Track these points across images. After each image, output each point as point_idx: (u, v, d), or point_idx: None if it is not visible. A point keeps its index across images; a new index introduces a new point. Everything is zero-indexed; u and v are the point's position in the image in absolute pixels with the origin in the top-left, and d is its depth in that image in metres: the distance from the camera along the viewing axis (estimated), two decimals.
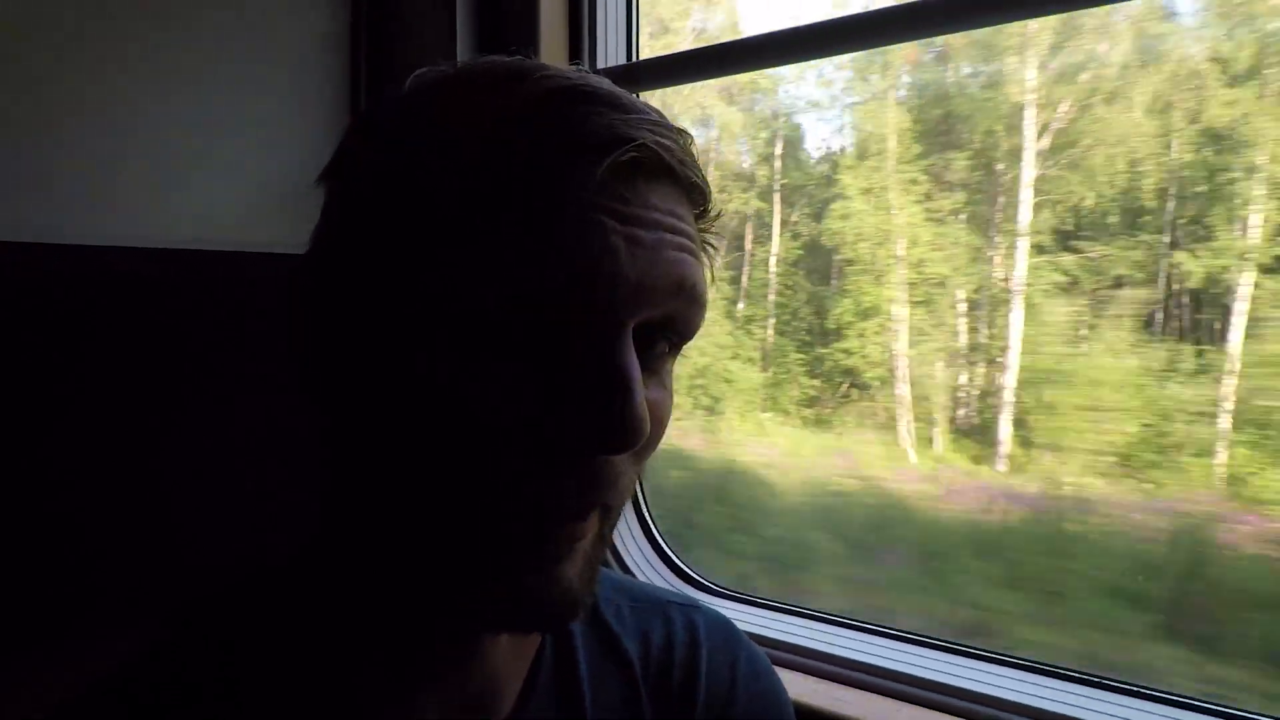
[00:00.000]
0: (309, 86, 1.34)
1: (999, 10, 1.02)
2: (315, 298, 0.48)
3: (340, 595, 0.52)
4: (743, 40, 1.22)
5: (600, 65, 1.39)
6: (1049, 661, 1.06)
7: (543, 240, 0.40)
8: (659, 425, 0.47)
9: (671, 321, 0.46)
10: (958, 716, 1.02)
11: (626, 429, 0.41)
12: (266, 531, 1.02)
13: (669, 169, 0.44)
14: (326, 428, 0.50)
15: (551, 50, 1.35)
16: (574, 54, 1.39)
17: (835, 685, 1.10)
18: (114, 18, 1.13)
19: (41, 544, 1.01)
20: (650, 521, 1.40)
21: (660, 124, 0.45)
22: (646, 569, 1.38)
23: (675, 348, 0.49)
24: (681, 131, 0.46)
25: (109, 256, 1.07)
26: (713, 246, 0.50)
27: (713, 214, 0.49)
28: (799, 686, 1.09)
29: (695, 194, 0.47)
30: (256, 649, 0.51)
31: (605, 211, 0.41)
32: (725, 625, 0.69)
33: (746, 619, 1.24)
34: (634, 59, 1.41)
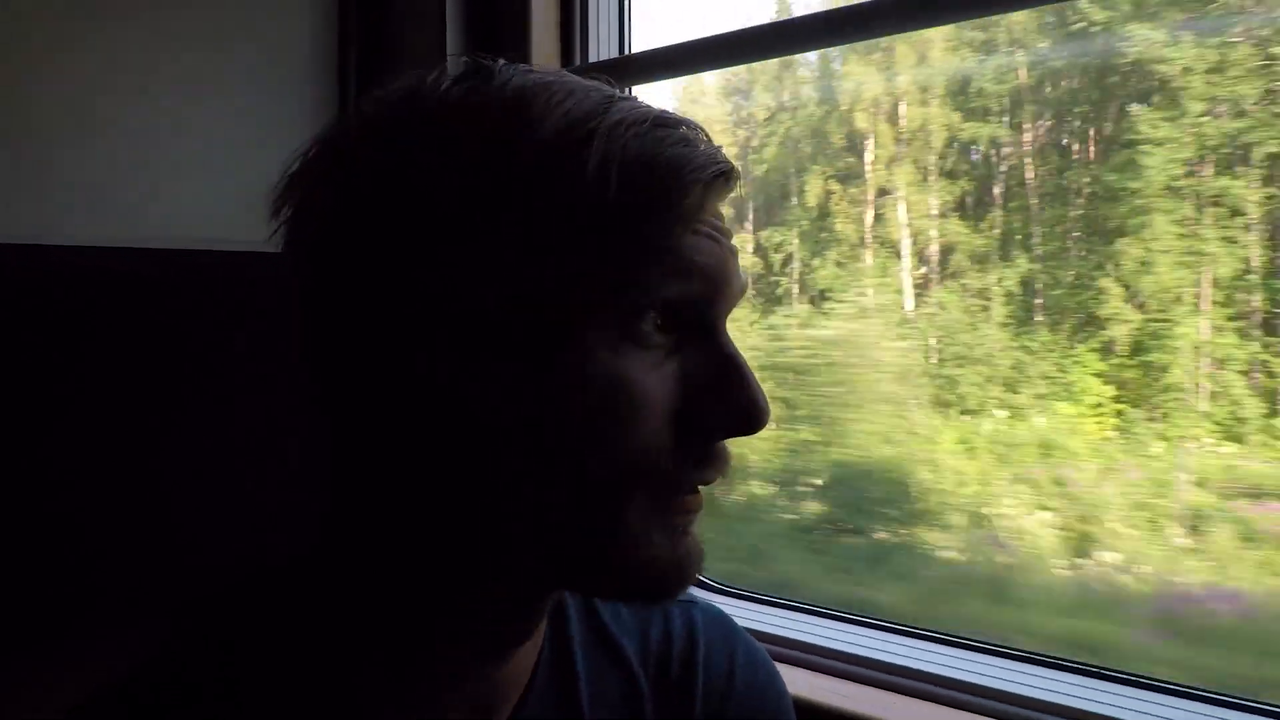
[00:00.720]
0: (301, 84, 1.34)
1: (987, 3, 1.03)
2: (318, 297, 0.48)
3: (344, 596, 0.52)
4: (735, 32, 1.21)
5: (593, 58, 1.39)
6: (1045, 653, 1.06)
7: (666, 255, 0.45)
8: None
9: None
10: (956, 709, 1.02)
11: (764, 411, 0.48)
12: (266, 531, 1.02)
13: (731, 186, 0.50)
14: (330, 428, 0.50)
15: (543, 43, 1.35)
16: (566, 46, 1.38)
17: (834, 679, 1.11)
18: (107, 20, 1.13)
19: (41, 544, 1.01)
20: None
21: (716, 144, 0.49)
22: None
23: None
24: None
25: (106, 257, 1.07)
26: None
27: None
28: (797, 681, 1.09)
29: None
30: (257, 649, 0.51)
31: (710, 226, 0.48)
32: (723, 620, 0.69)
33: (744, 614, 1.25)
34: (626, 52, 1.41)
